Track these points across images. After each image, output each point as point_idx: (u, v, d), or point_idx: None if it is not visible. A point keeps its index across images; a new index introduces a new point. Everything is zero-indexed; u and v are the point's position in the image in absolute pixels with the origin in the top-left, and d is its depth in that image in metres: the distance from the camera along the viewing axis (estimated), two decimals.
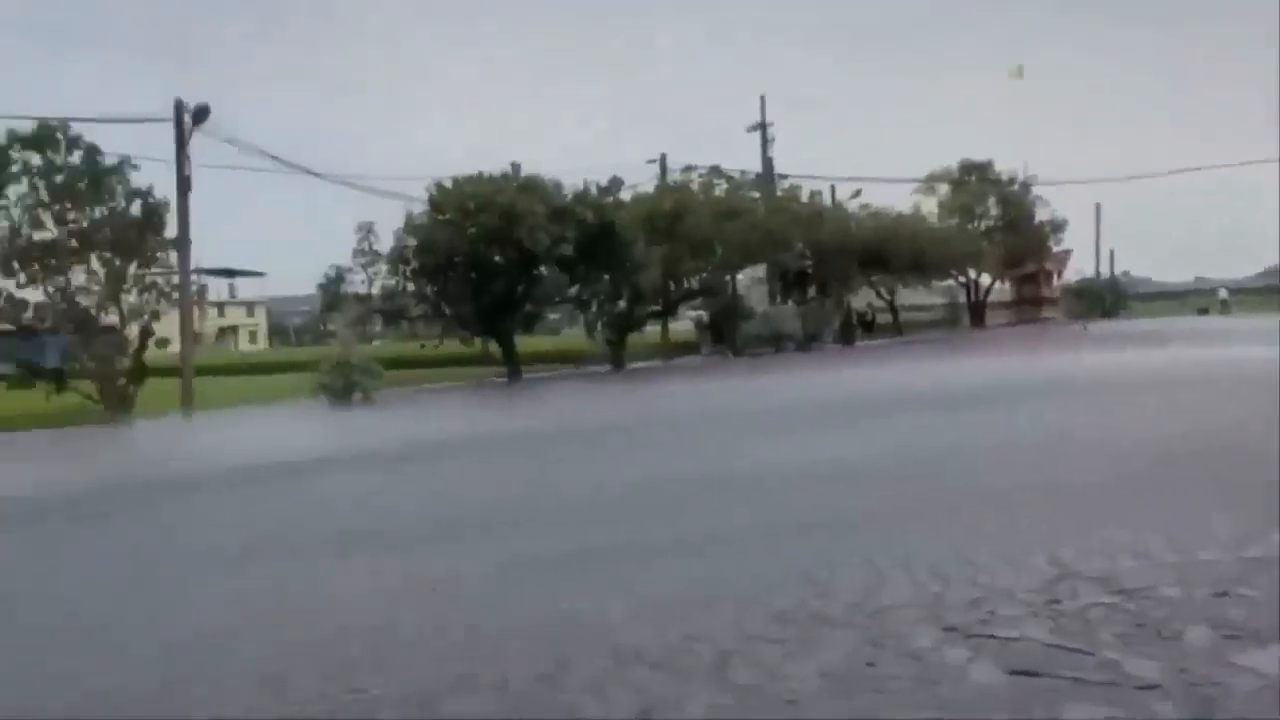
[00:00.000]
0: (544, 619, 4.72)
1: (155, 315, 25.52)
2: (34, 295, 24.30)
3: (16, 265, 23.97)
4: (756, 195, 39.83)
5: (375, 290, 30.41)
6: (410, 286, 30.50)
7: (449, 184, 29.74)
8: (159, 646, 4.89)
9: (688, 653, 3.96)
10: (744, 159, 58.57)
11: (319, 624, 5.04)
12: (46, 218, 24.22)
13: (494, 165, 30.67)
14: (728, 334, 37.93)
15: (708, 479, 8.78)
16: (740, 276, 41.21)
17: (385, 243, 29.93)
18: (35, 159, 24.13)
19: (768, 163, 43.95)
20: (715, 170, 38.02)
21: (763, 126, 44.13)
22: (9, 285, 24.07)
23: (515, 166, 30.42)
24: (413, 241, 29.58)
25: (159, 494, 10.90)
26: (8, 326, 24.62)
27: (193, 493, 10.80)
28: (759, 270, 42.31)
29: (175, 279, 26.26)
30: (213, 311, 63.49)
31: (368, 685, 3.97)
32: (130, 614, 5.65)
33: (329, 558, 6.84)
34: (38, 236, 24.08)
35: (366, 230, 29.72)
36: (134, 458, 17.02)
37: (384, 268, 30.03)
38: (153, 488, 11.34)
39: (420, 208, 29.98)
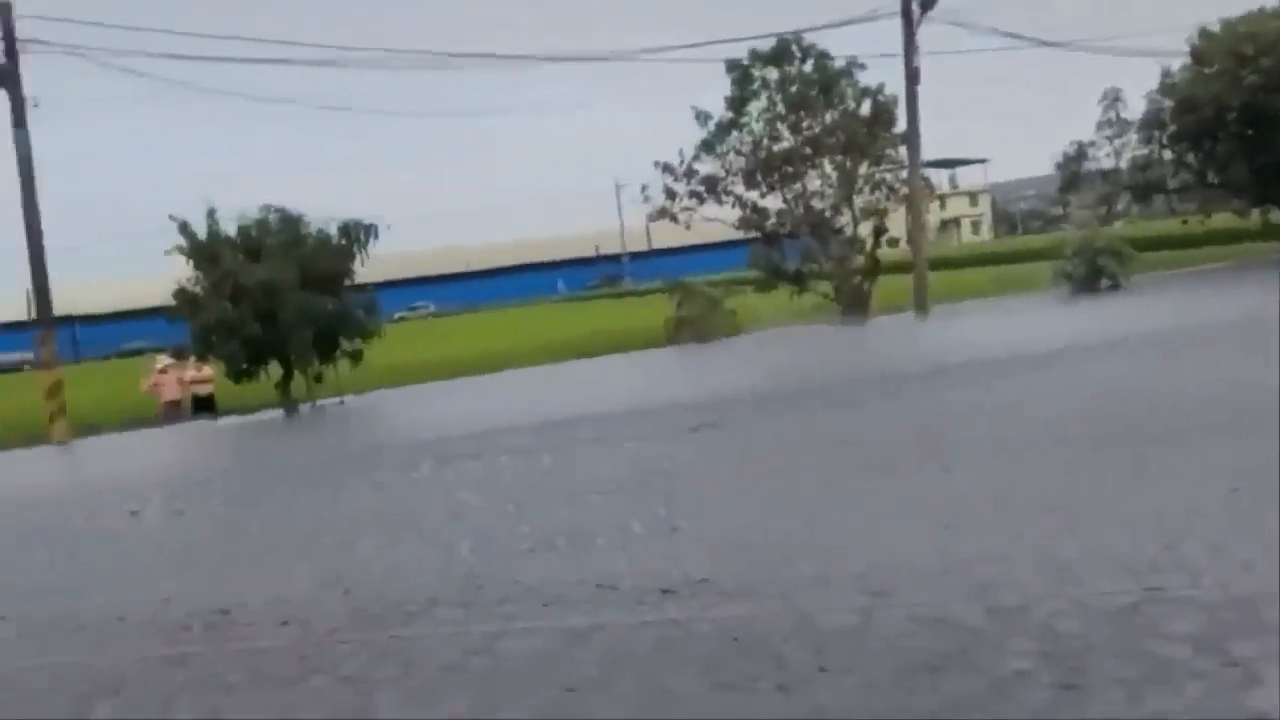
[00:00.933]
0: None
1: (883, 213, 27.46)
2: (773, 203, 27.62)
3: (759, 176, 27.40)
4: None
5: (1123, 164, 28.83)
6: (1167, 155, 28.39)
7: (1216, 29, 26.91)
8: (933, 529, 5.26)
9: None
10: None
11: (1091, 515, 5.05)
12: (783, 128, 27.23)
13: None
14: None
15: None
16: None
17: (1134, 110, 28.17)
18: (773, 74, 27.15)
19: None
20: None
21: None
22: (753, 195, 27.66)
23: None
24: (1169, 102, 27.41)
25: (897, 384, 11.69)
26: (754, 234, 28.29)
27: (948, 383, 11.39)
28: None
29: (904, 175, 27.65)
30: (935, 204, 65.72)
31: (1166, 584, 3.92)
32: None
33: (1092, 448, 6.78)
34: (775, 148, 27.21)
35: (1113, 98, 28.27)
36: (887, 351, 18.49)
37: (1134, 137, 28.31)
38: (895, 378, 12.17)
39: (1179, 63, 27.62)
